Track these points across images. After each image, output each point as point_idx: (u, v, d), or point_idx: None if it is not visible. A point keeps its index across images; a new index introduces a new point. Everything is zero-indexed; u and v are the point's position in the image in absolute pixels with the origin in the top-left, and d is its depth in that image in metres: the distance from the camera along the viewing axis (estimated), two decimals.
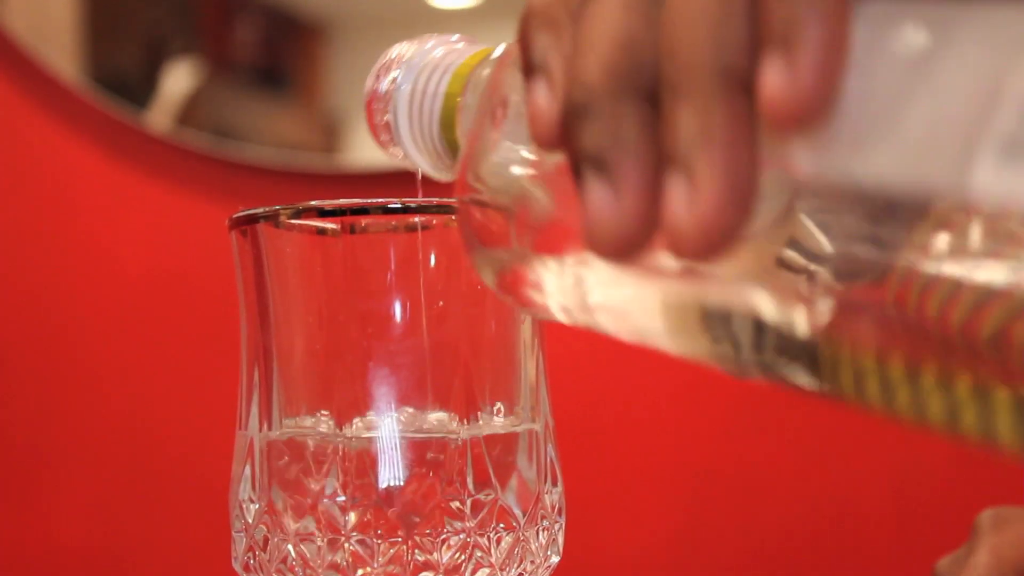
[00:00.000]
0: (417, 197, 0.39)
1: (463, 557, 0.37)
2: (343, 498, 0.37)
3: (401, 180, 1.00)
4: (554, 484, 0.40)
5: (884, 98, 0.21)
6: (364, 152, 1.01)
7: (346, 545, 0.37)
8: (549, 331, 0.41)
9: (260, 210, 0.39)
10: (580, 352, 0.97)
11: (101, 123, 1.02)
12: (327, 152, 1.01)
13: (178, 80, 1.02)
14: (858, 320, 0.22)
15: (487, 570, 0.38)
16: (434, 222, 0.39)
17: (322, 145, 1.02)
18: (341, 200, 0.38)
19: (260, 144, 1.00)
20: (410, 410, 0.38)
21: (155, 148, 1.01)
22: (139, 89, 1.02)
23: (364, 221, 0.39)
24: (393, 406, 0.38)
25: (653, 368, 0.97)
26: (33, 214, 1.04)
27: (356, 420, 0.38)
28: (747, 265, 0.23)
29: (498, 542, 0.38)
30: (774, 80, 0.21)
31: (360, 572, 0.37)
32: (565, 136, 0.24)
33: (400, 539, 0.37)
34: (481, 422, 0.38)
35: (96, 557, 1.03)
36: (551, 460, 0.40)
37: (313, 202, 0.38)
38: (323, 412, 0.38)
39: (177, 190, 1.01)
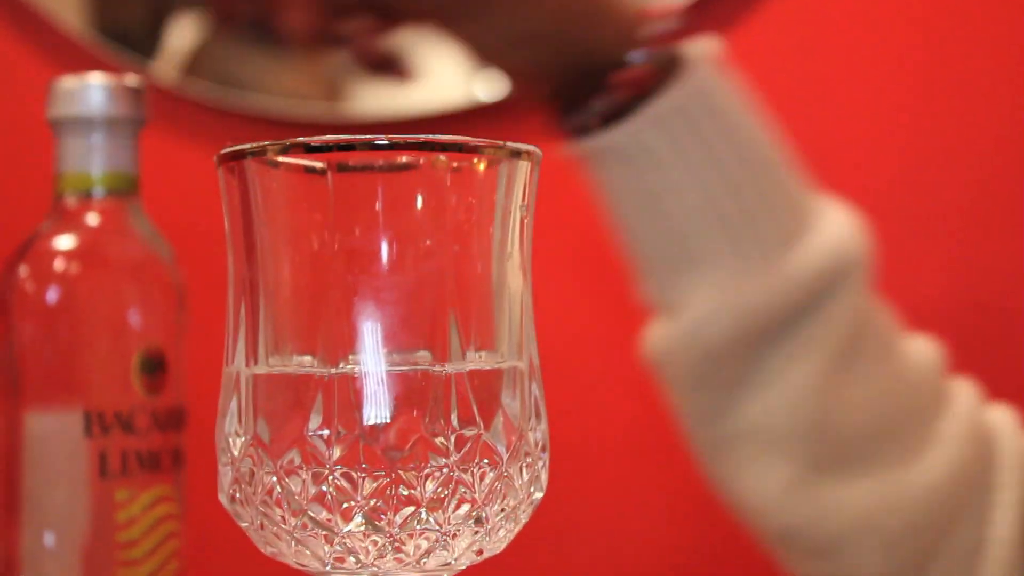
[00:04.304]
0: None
1: (446, 492, 0.38)
2: (327, 432, 0.37)
3: (401, 128, 1.00)
4: (538, 421, 0.40)
5: None
6: (366, 102, 1.01)
7: (330, 478, 0.37)
8: (535, 271, 0.41)
9: (248, 146, 0.39)
10: (566, 292, 0.98)
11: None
12: (330, 102, 1.01)
13: (183, 33, 1.02)
14: None
15: (469, 505, 0.38)
16: (421, 161, 0.39)
17: (325, 96, 1.02)
18: (328, 136, 0.38)
19: (265, 94, 1.00)
20: (395, 347, 0.38)
21: (161, 99, 1.01)
22: (145, 41, 1.02)
23: (351, 158, 0.39)
24: (378, 342, 0.38)
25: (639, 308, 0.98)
26: (39, 165, 1.05)
27: (341, 356, 0.38)
28: None
29: (481, 478, 0.38)
30: None
31: (344, 505, 0.37)
32: None
33: (384, 473, 0.37)
34: (466, 359, 0.39)
35: None
36: (535, 398, 0.40)
37: (300, 138, 0.38)
38: (308, 348, 0.39)
39: (183, 140, 1.01)
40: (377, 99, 1.01)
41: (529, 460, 0.40)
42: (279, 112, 0.99)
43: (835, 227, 0.65)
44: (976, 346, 0.85)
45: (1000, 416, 0.69)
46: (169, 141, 1.01)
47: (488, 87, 1.00)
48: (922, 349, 0.68)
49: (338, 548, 0.38)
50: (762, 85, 0.93)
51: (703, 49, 0.64)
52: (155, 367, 0.60)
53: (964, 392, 0.69)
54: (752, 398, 0.63)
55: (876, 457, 0.65)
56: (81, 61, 1.02)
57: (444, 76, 1.02)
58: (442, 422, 0.38)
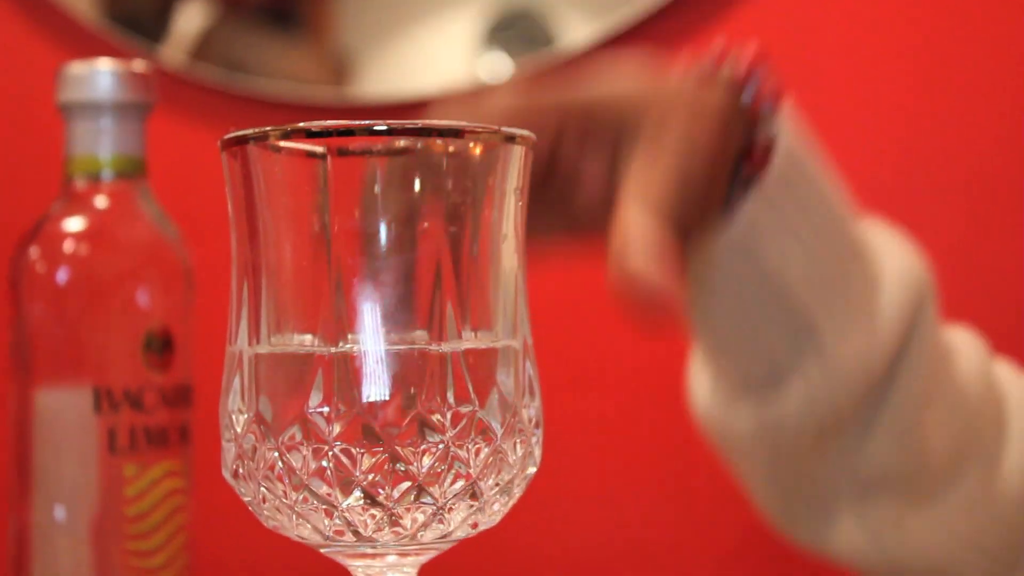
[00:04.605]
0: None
1: (442, 467, 0.39)
2: (327, 409, 0.38)
3: (405, 111, 1.01)
4: (532, 398, 0.41)
5: None
6: (374, 85, 1.02)
7: (330, 454, 0.38)
8: (529, 251, 0.42)
9: (250, 131, 0.40)
10: (559, 273, 0.99)
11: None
12: (336, 86, 1.02)
13: (191, 18, 1.03)
14: None
15: (464, 480, 0.39)
16: (419, 145, 0.40)
17: (332, 80, 1.03)
18: (328, 122, 0.39)
19: (272, 78, 1.01)
20: (393, 326, 0.39)
21: (168, 83, 1.02)
22: (153, 26, 1.03)
23: (351, 143, 0.40)
24: (377, 322, 0.39)
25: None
26: (48, 149, 1.06)
27: (340, 336, 0.39)
28: None
29: (477, 453, 0.39)
30: None
31: (344, 480, 0.38)
32: None
33: (381, 449, 0.38)
34: (462, 339, 0.40)
35: None
36: (529, 376, 0.41)
37: (301, 123, 0.39)
38: (309, 327, 0.40)
39: (191, 123, 1.02)
40: (382, 83, 1.02)
41: (523, 436, 0.41)
42: (285, 96, 1.00)
43: (898, 260, 0.63)
44: None
45: None
46: (177, 125, 1.02)
47: (490, 69, 1.01)
48: (970, 347, 0.67)
49: (337, 522, 0.39)
50: None
51: (785, 102, 0.60)
52: (163, 346, 0.61)
53: (1009, 379, 0.69)
54: (854, 448, 0.62)
55: (964, 472, 0.64)
56: (90, 46, 1.03)
57: (448, 59, 1.03)
58: (438, 399, 0.39)
